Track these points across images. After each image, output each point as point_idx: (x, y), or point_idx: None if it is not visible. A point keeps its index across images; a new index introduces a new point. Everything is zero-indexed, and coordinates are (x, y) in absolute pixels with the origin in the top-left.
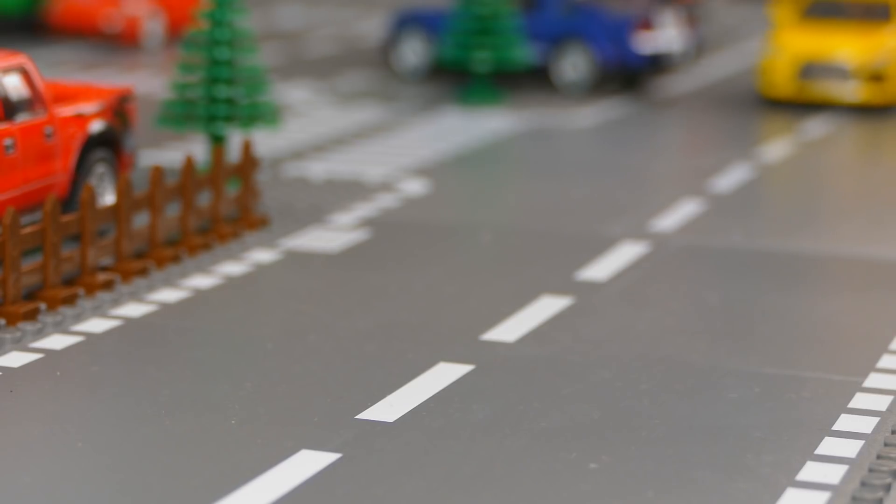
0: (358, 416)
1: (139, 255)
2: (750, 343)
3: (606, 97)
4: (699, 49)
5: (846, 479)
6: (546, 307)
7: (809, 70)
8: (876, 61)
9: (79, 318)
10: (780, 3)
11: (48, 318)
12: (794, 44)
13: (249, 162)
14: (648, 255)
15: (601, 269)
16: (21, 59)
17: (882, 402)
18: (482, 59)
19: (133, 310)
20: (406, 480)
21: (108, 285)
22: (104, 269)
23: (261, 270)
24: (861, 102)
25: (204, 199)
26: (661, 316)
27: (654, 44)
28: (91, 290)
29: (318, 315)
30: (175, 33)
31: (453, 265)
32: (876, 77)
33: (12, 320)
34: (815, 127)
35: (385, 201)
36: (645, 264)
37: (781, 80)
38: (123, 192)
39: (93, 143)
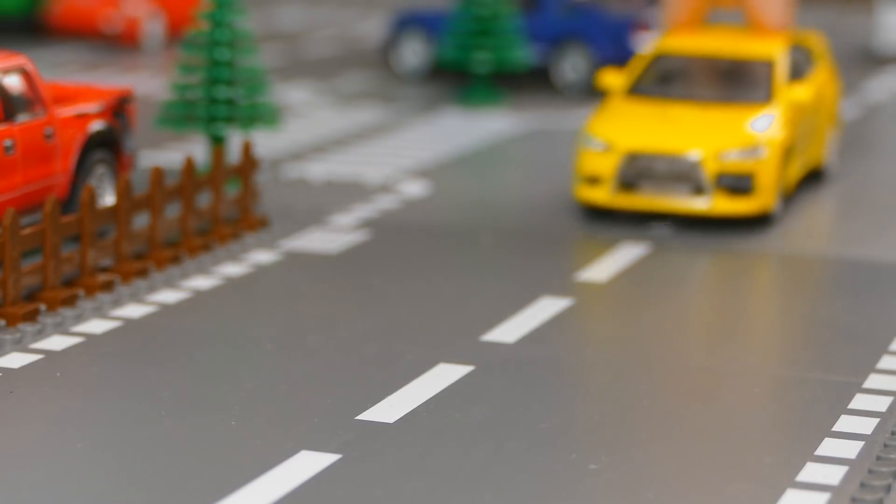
0: (358, 417)
1: (139, 256)
2: (750, 344)
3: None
4: None
5: (846, 480)
6: (546, 308)
7: (637, 167)
8: (739, 154)
9: (79, 318)
10: (611, 71)
11: (48, 319)
12: (616, 129)
13: (249, 163)
14: (648, 257)
15: (601, 270)
16: (21, 59)
17: (882, 404)
18: (482, 60)
19: (133, 311)
20: (406, 481)
21: (107, 286)
22: (104, 269)
23: (261, 271)
24: (714, 213)
25: (204, 200)
26: (661, 317)
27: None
28: (91, 290)
29: (318, 316)
30: (175, 34)
31: (453, 266)
32: (738, 177)
33: (12, 321)
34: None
35: (385, 202)
36: (644, 265)
37: (599, 181)
38: (123, 193)
39: (93, 144)
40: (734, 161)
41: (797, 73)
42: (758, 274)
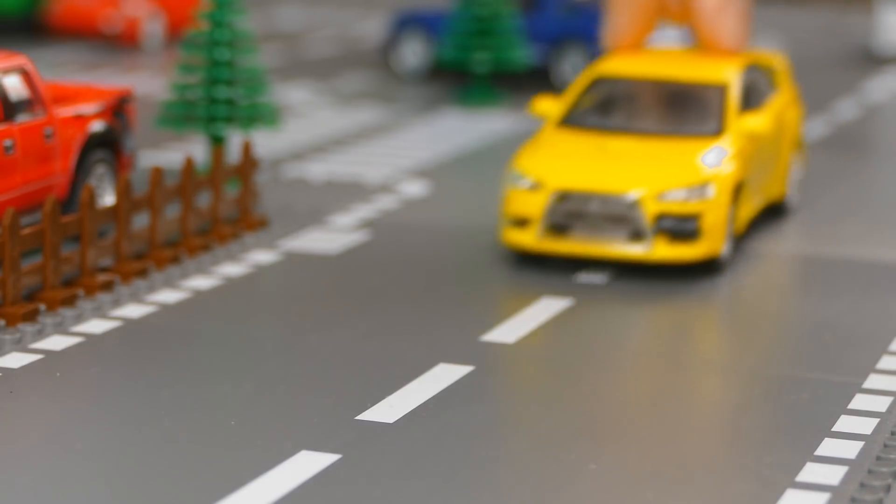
0: (358, 417)
1: (139, 256)
2: (750, 344)
3: None
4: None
5: (846, 480)
6: (546, 308)
7: (568, 207)
8: (683, 194)
9: (78, 318)
10: (545, 97)
11: (48, 319)
12: (545, 165)
13: (249, 163)
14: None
15: (601, 270)
16: (21, 59)
17: (882, 404)
18: (482, 60)
19: (133, 311)
20: (405, 481)
21: (107, 286)
22: (104, 269)
23: (260, 271)
24: (654, 259)
25: (203, 200)
26: (661, 317)
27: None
28: (91, 290)
29: (318, 316)
30: (175, 34)
31: (453, 266)
32: (681, 219)
33: (12, 321)
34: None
35: (385, 202)
36: (644, 265)
37: (527, 223)
38: (123, 192)
39: (92, 144)
40: (677, 201)
41: (755, 97)
42: (752, 279)
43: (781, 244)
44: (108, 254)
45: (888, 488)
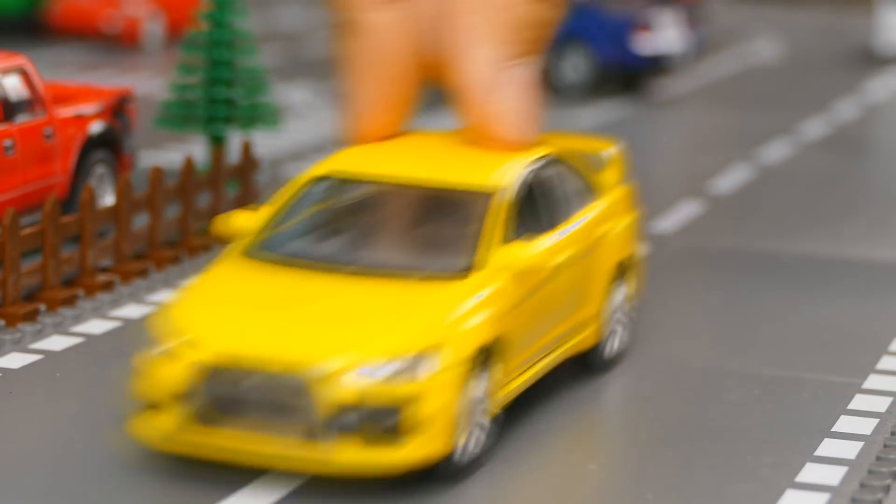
0: None
1: (139, 257)
2: (750, 344)
3: (606, 98)
4: (699, 50)
5: (845, 480)
6: None
7: (220, 388)
8: (386, 371)
9: (78, 319)
10: (244, 211)
11: (48, 319)
12: (198, 320)
13: (249, 163)
14: (648, 257)
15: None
16: (21, 60)
17: (882, 404)
18: None
19: (132, 311)
20: (405, 481)
21: (107, 286)
22: (104, 270)
23: None
24: (336, 468)
25: (203, 201)
26: (661, 317)
27: (654, 45)
28: (91, 291)
29: None
30: (175, 34)
31: None
32: (377, 410)
33: (12, 321)
34: None
35: None
36: (644, 265)
37: (162, 407)
38: (123, 193)
39: (92, 144)
40: (373, 383)
41: (554, 207)
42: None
43: (782, 242)
44: (108, 254)
45: (888, 488)
